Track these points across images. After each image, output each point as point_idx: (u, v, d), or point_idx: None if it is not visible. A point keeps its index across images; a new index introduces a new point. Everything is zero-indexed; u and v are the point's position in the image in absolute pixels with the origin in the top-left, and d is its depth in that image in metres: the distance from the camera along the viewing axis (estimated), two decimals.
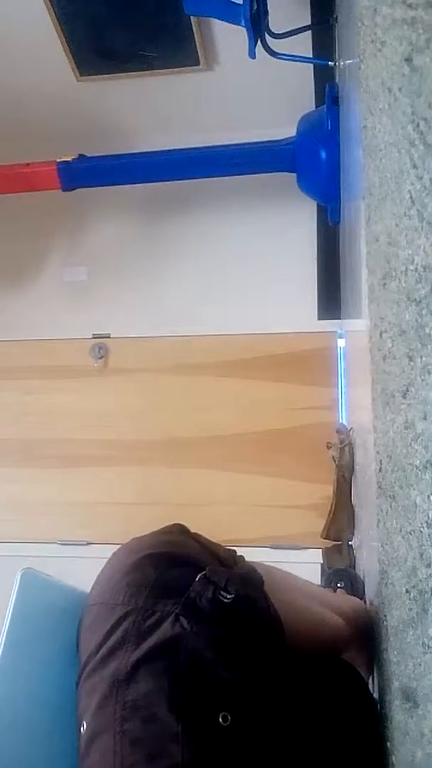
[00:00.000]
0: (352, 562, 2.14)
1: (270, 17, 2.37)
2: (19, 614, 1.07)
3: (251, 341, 2.90)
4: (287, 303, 3.05)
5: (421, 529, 0.74)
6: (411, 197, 0.70)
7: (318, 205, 3.03)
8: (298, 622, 1.07)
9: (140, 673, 0.90)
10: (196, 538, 1.14)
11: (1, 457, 3.00)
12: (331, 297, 2.89)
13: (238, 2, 2.29)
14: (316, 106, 2.85)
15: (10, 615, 1.06)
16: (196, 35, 2.70)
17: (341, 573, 1.96)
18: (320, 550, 2.36)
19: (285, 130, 2.72)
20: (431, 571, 0.72)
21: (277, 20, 2.39)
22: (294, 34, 2.48)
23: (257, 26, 2.32)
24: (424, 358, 0.70)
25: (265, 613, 1.01)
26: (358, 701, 1.16)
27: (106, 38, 2.78)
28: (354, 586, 1.81)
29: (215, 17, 2.48)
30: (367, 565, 1.59)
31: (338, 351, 2.76)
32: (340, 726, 1.07)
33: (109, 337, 3.00)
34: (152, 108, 3.09)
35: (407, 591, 0.84)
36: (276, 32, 2.41)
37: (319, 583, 2.04)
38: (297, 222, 3.12)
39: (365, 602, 1.51)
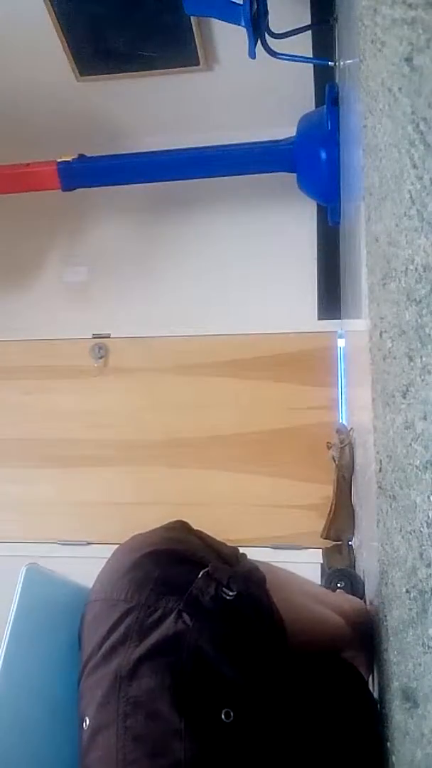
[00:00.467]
0: (352, 562, 2.14)
1: (270, 17, 2.37)
2: (24, 609, 1.07)
3: (251, 341, 2.90)
4: (287, 303, 3.05)
5: (421, 529, 0.74)
6: (411, 197, 0.70)
7: (318, 205, 3.02)
8: (298, 621, 1.07)
9: (143, 669, 0.90)
10: (199, 534, 1.15)
11: (1, 457, 3.00)
12: (331, 297, 2.89)
13: (238, 2, 2.29)
14: (316, 106, 2.85)
15: (14, 609, 1.06)
16: (196, 35, 2.70)
17: (341, 573, 1.96)
18: (320, 550, 2.36)
19: (285, 130, 2.72)
20: (431, 571, 0.72)
21: (277, 20, 2.39)
22: (294, 34, 2.48)
23: (257, 26, 2.32)
24: (424, 358, 0.70)
25: (267, 612, 1.01)
26: (359, 700, 1.16)
27: (106, 38, 2.77)
28: (354, 586, 1.82)
29: (215, 17, 2.47)
30: (367, 565, 1.59)
31: (338, 351, 2.76)
32: (340, 725, 1.07)
33: (109, 337, 3.00)
34: (152, 108, 3.09)
35: (407, 591, 0.84)
36: (276, 32, 2.40)
37: (319, 583, 2.04)
38: (297, 222, 3.11)
39: (365, 602, 1.51)
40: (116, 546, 1.14)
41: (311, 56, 2.70)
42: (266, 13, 2.35)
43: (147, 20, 2.68)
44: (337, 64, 2.57)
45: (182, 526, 1.16)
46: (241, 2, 2.28)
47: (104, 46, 2.80)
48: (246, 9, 2.27)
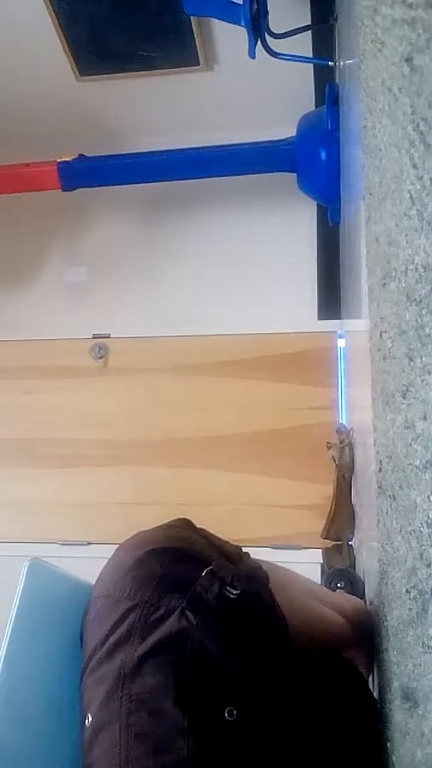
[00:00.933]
0: (352, 562, 2.14)
1: (270, 17, 2.37)
2: (27, 604, 1.07)
3: (251, 341, 2.90)
4: (287, 303, 3.05)
5: (421, 529, 0.74)
6: (411, 197, 0.70)
7: (318, 205, 3.02)
8: (300, 620, 1.07)
9: (146, 666, 0.90)
10: (202, 533, 1.15)
11: (1, 457, 3.00)
12: (331, 297, 2.89)
13: (238, 2, 2.29)
14: (316, 106, 2.85)
15: (17, 604, 1.06)
16: (196, 35, 2.70)
17: (341, 573, 1.96)
18: (320, 550, 2.36)
19: (285, 130, 2.72)
20: (431, 571, 0.72)
21: (277, 20, 2.39)
22: (294, 34, 2.48)
23: (257, 26, 2.32)
24: (424, 358, 0.70)
25: (270, 610, 1.01)
26: (359, 700, 1.16)
27: (106, 38, 2.77)
28: (354, 586, 1.82)
29: (215, 17, 2.47)
30: (367, 565, 1.59)
31: (338, 351, 2.76)
32: (341, 724, 1.07)
33: (109, 337, 3.00)
34: (152, 108, 3.09)
35: (407, 591, 0.84)
36: (276, 32, 2.40)
37: (319, 583, 2.04)
38: (297, 222, 3.12)
39: (365, 602, 1.51)
40: (116, 546, 1.14)
41: (311, 56, 2.70)
42: (266, 13, 2.35)
43: (147, 20, 2.68)
44: (337, 64, 2.57)
45: (185, 524, 1.16)
46: (241, 2, 2.28)
47: (104, 46, 2.80)
48: (246, 9, 2.27)
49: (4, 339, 3.08)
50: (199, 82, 2.92)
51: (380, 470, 1.02)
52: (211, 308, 3.11)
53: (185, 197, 3.17)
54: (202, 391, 2.89)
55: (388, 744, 1.01)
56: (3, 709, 0.99)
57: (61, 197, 2.96)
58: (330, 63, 2.64)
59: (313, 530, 2.40)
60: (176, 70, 2.86)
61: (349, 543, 2.26)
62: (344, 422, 2.52)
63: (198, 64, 2.82)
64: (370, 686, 1.27)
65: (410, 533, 0.80)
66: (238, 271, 3.15)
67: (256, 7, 2.28)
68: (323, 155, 2.56)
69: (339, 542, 2.28)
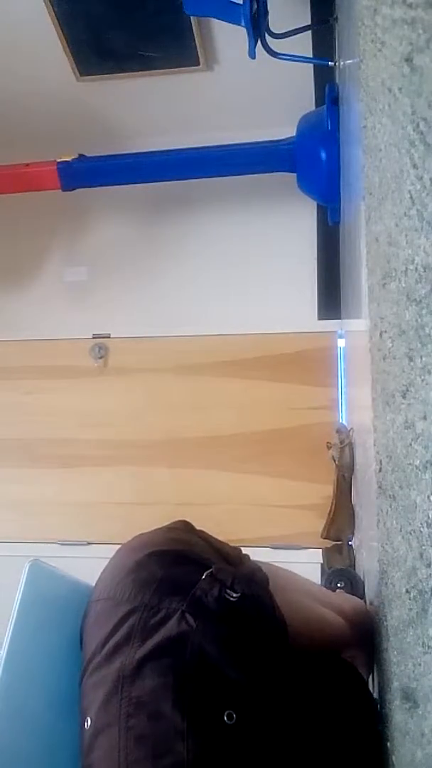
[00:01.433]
0: (352, 562, 2.14)
1: (270, 17, 2.37)
2: (27, 604, 1.07)
3: (251, 341, 2.90)
4: (287, 303, 3.05)
5: (421, 529, 0.74)
6: (411, 197, 0.70)
7: (318, 205, 3.03)
8: (299, 621, 1.07)
9: (146, 669, 0.90)
10: (202, 535, 1.14)
11: (1, 457, 3.00)
12: (331, 297, 2.89)
13: (238, 2, 2.29)
14: (316, 106, 2.85)
15: (17, 605, 1.06)
16: (195, 35, 2.70)
17: (341, 573, 1.96)
18: (320, 550, 2.36)
19: (285, 130, 2.72)
20: (431, 571, 0.72)
21: (277, 20, 2.39)
22: (294, 34, 2.48)
23: (257, 26, 2.32)
24: (424, 358, 0.70)
25: (270, 613, 1.01)
26: (359, 700, 1.16)
27: (106, 38, 2.78)
28: (354, 586, 1.82)
29: (215, 17, 2.48)
30: (367, 565, 1.59)
31: (338, 351, 2.77)
32: (341, 725, 1.07)
33: (109, 337, 3.00)
34: (152, 108, 3.09)
35: (407, 591, 0.84)
36: (276, 32, 2.40)
37: (319, 583, 2.04)
38: (297, 222, 3.12)
39: (365, 602, 1.51)
40: (117, 546, 1.14)
41: (311, 56, 2.70)
42: (266, 13, 2.35)
43: (147, 20, 2.68)
44: (337, 64, 2.57)
45: (185, 526, 1.16)
46: (241, 2, 2.28)
47: (104, 46, 2.80)
48: (246, 9, 2.27)
49: (4, 339, 3.08)
50: (199, 82, 2.92)
51: (380, 470, 1.02)
52: (211, 308, 3.11)
53: (185, 197, 3.17)
54: (202, 391, 2.89)
55: (388, 744, 1.01)
56: (3, 709, 0.99)
57: (61, 197, 2.96)
58: (330, 63, 2.64)
59: (313, 530, 2.40)
60: (176, 70, 2.86)
61: (349, 543, 2.26)
62: (344, 422, 2.52)
63: (198, 64, 2.82)
64: (370, 686, 1.27)
65: (410, 533, 0.80)
66: (238, 271, 3.15)
67: (256, 7, 2.28)
68: (323, 155, 2.56)
69: (339, 542, 2.28)
